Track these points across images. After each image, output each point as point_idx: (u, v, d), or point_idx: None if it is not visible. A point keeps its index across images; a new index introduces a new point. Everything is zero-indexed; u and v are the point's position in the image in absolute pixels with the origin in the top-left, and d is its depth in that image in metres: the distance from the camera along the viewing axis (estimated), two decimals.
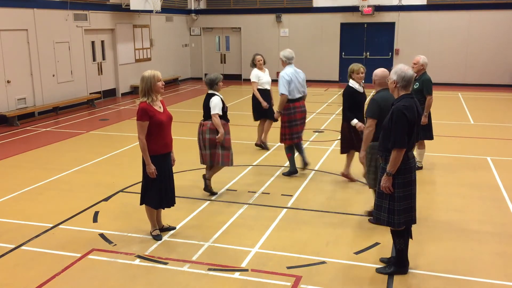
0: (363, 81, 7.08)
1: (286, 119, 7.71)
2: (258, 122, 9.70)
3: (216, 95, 6.68)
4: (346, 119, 7.05)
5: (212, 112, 6.59)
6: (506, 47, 18.30)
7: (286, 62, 7.78)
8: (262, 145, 9.62)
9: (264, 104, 9.24)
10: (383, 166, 4.64)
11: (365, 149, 5.76)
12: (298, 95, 7.72)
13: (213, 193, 7.06)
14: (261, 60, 9.45)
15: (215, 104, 6.58)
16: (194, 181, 7.71)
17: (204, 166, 7.14)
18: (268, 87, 9.45)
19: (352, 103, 6.97)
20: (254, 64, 9.49)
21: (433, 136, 8.03)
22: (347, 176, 7.61)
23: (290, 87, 7.61)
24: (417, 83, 7.60)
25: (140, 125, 5.26)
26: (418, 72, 7.65)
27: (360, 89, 7.02)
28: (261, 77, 9.38)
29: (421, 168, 8.06)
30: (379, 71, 5.67)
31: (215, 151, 6.73)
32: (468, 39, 18.67)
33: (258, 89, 9.39)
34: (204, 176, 7.10)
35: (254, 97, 9.49)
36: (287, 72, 7.66)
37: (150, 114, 5.23)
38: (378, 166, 5.35)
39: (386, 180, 4.54)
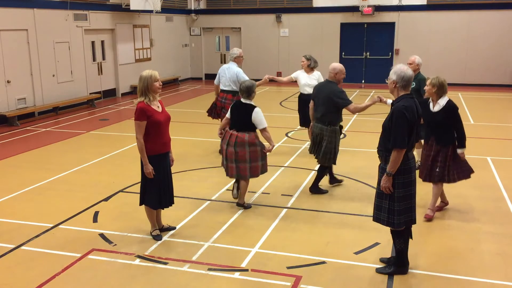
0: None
1: (221, 106, 8.79)
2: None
3: (255, 105, 6.31)
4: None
5: (263, 127, 6.24)
6: (506, 47, 18.29)
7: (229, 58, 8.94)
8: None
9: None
10: (383, 166, 4.64)
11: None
12: (225, 88, 8.78)
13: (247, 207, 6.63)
14: (303, 62, 9.06)
15: (262, 117, 6.26)
16: (194, 181, 7.72)
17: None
18: (305, 90, 8.92)
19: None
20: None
21: None
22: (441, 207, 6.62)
23: (219, 79, 8.87)
24: (413, 83, 7.64)
25: (138, 125, 5.26)
26: (414, 71, 7.73)
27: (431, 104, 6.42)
28: (299, 78, 9.03)
29: (419, 168, 8.03)
30: (331, 65, 6.86)
31: (256, 163, 6.39)
32: (468, 39, 18.66)
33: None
34: (239, 204, 6.61)
35: (299, 100, 9.18)
36: (223, 66, 8.94)
37: (148, 114, 5.24)
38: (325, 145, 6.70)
39: (386, 180, 4.53)
